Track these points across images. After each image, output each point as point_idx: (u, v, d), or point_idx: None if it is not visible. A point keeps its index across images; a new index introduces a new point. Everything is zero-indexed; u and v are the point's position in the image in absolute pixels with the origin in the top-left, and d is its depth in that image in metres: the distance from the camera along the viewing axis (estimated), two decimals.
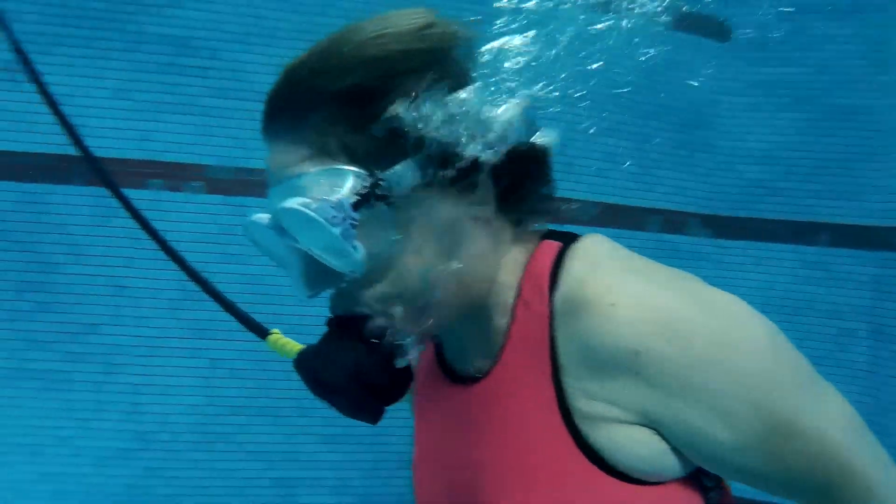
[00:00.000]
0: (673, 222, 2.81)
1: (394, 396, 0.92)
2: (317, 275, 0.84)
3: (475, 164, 0.82)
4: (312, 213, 0.77)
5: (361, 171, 0.79)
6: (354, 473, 2.85)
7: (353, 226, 0.78)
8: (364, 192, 0.78)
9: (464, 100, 0.83)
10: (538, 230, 0.93)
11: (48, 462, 2.76)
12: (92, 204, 2.65)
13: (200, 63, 2.65)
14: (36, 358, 2.71)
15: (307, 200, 0.78)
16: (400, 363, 0.90)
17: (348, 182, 0.78)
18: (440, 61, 0.83)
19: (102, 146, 2.64)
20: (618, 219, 2.79)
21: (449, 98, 0.81)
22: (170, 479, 2.79)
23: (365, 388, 0.88)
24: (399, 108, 0.80)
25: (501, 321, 0.88)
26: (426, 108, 0.80)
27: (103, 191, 2.63)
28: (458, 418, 0.98)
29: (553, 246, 0.88)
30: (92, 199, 2.65)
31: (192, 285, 2.47)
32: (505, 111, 0.87)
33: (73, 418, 2.73)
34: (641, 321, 0.76)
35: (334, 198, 0.78)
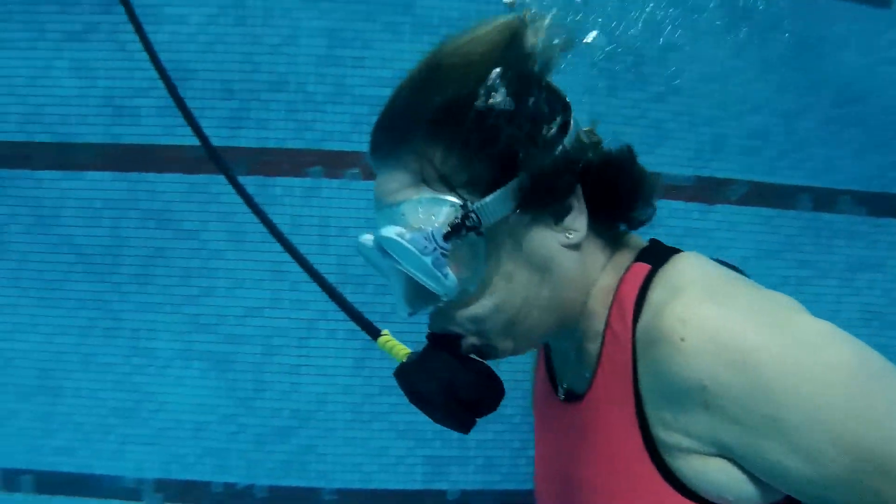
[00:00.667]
0: (824, 200, 2.77)
1: (482, 412, 0.98)
2: (415, 295, 0.89)
3: (568, 188, 0.85)
4: (405, 243, 0.82)
5: (456, 200, 0.82)
6: (502, 453, 2.92)
7: (444, 255, 0.82)
8: (456, 223, 0.82)
9: (555, 119, 0.84)
10: (634, 248, 0.95)
11: (211, 438, 2.92)
12: (252, 193, 2.78)
13: (354, 53, 2.75)
14: (201, 340, 2.86)
15: (401, 230, 0.83)
16: (490, 379, 0.96)
17: (441, 212, 0.82)
18: (530, 72, 0.84)
19: (262, 136, 2.77)
20: (767, 197, 2.78)
21: (540, 116, 0.83)
22: (323, 456, 2.91)
23: (456, 402, 0.94)
24: (492, 124, 0.82)
25: (593, 347, 0.91)
26: (517, 126, 0.82)
27: (263, 180, 2.78)
28: (563, 433, 1.02)
29: (642, 270, 0.89)
30: (253, 189, 2.78)
31: (350, 269, 2.58)
32: (590, 133, 0.91)
33: (234, 397, 2.88)
34: (709, 353, 0.76)
35: (426, 228, 0.82)
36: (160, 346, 2.87)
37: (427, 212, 0.83)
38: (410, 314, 0.93)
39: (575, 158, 0.85)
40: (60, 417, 2.98)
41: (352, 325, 2.86)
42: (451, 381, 0.93)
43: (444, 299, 0.87)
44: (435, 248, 0.82)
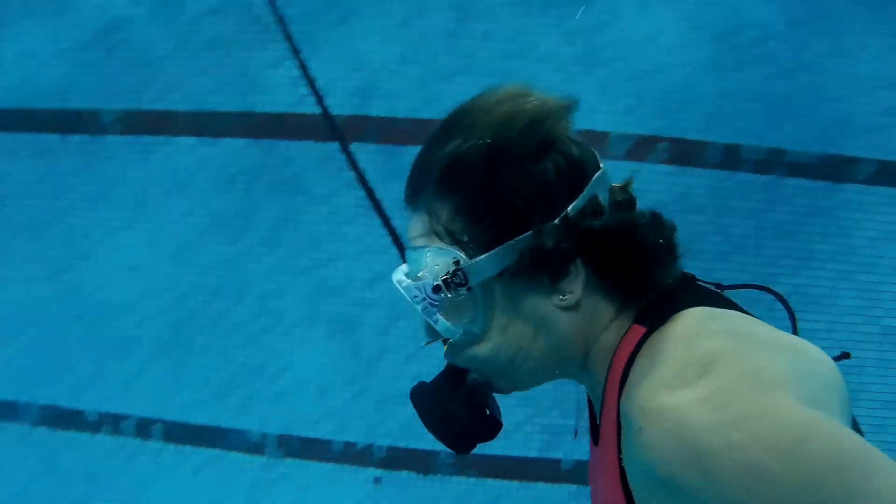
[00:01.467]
0: None
1: (476, 443, 1.05)
2: (426, 328, 0.96)
3: (564, 256, 0.86)
4: (400, 288, 0.91)
5: (457, 254, 0.87)
6: None
7: (434, 304, 0.88)
8: (445, 278, 0.87)
9: (558, 189, 0.86)
10: (637, 305, 0.91)
11: (334, 399, 3.06)
12: (382, 161, 2.90)
13: (483, 27, 2.83)
14: (327, 303, 3.00)
15: (402, 277, 0.92)
16: (484, 418, 1.04)
17: (439, 265, 0.88)
18: (530, 145, 0.86)
19: (392, 107, 2.89)
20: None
21: (538, 187, 0.85)
22: None
23: (453, 433, 1.03)
24: (487, 191, 0.86)
25: (597, 403, 0.95)
26: (513, 195, 0.85)
27: (392, 148, 2.89)
28: (593, 465, 1.06)
29: (637, 335, 0.87)
30: (382, 157, 2.90)
31: None
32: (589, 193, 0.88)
33: (358, 360, 3.01)
34: (665, 449, 0.73)
35: (423, 277, 0.89)
36: (288, 307, 3.02)
37: (431, 261, 0.89)
38: (424, 344, 1.00)
39: (574, 227, 0.86)
40: (192, 372, 3.17)
41: None
42: (448, 414, 1.02)
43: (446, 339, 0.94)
44: (424, 298, 0.89)
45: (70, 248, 3.21)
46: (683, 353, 0.79)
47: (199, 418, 3.19)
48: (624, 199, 0.90)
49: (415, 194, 0.92)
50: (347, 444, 3.05)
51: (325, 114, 2.71)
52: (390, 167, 2.85)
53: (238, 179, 3.00)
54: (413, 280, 0.91)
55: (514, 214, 0.86)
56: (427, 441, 2.92)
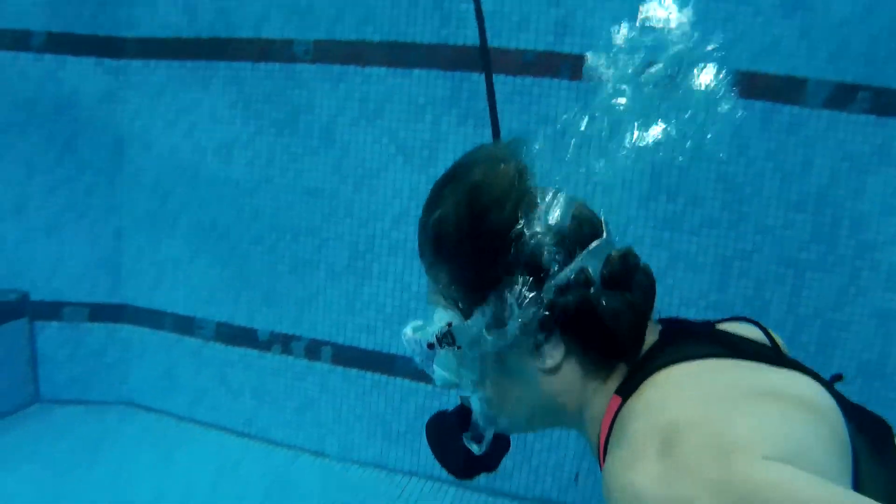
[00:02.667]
0: None
1: (470, 476, 1.17)
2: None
3: (541, 325, 0.91)
4: (405, 342, 1.04)
5: (447, 317, 0.96)
6: None
7: (429, 357, 1.00)
8: (438, 336, 0.97)
9: (535, 265, 0.90)
10: (623, 372, 0.94)
11: None
12: (573, 98, 2.96)
13: None
14: None
15: (408, 331, 1.04)
16: (475, 459, 1.11)
17: (438, 323, 0.98)
18: (505, 225, 0.92)
19: (584, 43, 2.94)
20: None
21: (516, 263, 0.91)
22: None
23: (448, 467, 1.16)
24: (474, 265, 0.93)
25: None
26: (489, 270, 0.92)
27: (588, 86, 2.94)
28: None
29: (616, 403, 0.90)
30: (573, 94, 2.97)
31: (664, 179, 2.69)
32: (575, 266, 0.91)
33: None
34: None
35: (417, 334, 1.02)
36: None
37: (438, 319, 0.98)
38: (439, 385, 1.09)
39: (553, 301, 0.90)
40: (365, 298, 3.31)
41: (662, 233, 3.01)
42: (445, 452, 1.16)
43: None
44: (421, 352, 1.01)
45: (256, 171, 3.39)
46: (644, 427, 0.81)
47: (369, 343, 3.33)
48: (615, 272, 0.93)
49: (421, 256, 1.02)
50: None
51: (482, 39, 2.73)
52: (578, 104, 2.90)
53: (427, 110, 3.11)
54: (415, 334, 1.04)
55: (488, 290, 0.92)
56: None
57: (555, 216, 0.91)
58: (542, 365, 0.95)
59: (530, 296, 0.90)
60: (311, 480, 3.23)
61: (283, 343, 3.46)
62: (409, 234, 3.18)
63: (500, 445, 1.16)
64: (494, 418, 1.05)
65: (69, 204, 3.57)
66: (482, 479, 2.05)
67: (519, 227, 0.91)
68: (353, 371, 3.37)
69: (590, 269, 0.91)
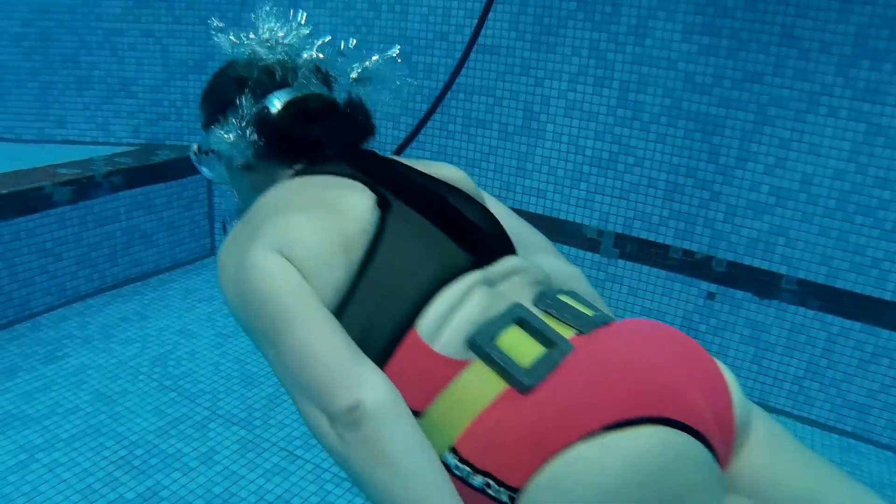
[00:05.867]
0: None
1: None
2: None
3: (242, 138, 1.44)
4: (190, 154, 1.58)
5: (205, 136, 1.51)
6: None
7: (198, 161, 1.55)
8: (199, 146, 1.54)
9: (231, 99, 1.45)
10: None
11: (681, 202, 3.13)
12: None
13: None
14: (688, 100, 3.02)
15: (192, 146, 1.57)
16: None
17: (198, 141, 1.56)
18: (230, 76, 1.50)
19: None
20: None
21: (226, 96, 1.47)
22: (794, 242, 2.98)
23: None
24: (207, 102, 1.54)
25: None
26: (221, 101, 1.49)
27: None
28: None
29: None
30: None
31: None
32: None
33: (716, 164, 3.03)
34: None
35: (192, 146, 1.56)
36: (647, 100, 3.08)
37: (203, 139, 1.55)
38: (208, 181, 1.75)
39: (249, 124, 1.43)
40: (537, 160, 3.38)
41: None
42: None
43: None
44: (195, 158, 1.56)
45: (430, 28, 3.48)
46: (250, 211, 1.34)
47: (537, 207, 3.41)
48: (287, 109, 1.44)
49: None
50: (686, 252, 3.13)
51: None
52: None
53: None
54: (192, 146, 1.57)
55: (222, 114, 1.47)
56: (772, 261, 2.91)
57: (257, 74, 1.46)
58: (245, 164, 1.46)
59: (236, 120, 1.43)
60: None
61: None
62: (587, 94, 3.18)
63: None
64: (240, 202, 1.55)
65: None
66: None
67: (239, 80, 1.45)
68: None
69: (273, 104, 1.42)
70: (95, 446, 2.55)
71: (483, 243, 1.28)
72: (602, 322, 1.20)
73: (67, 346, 3.18)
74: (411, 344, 1.12)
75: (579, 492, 0.97)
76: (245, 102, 1.42)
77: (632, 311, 3.28)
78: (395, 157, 1.47)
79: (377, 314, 1.14)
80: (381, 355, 1.12)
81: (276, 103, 1.42)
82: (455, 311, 1.14)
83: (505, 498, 1.03)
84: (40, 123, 4.01)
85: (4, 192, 3.20)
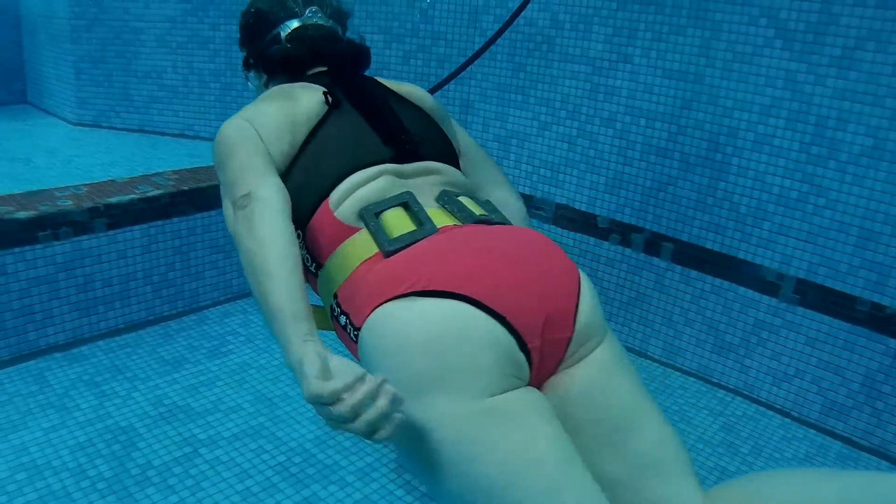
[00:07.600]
0: None
1: None
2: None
3: (258, 61, 1.96)
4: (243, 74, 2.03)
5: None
6: None
7: (246, 77, 2.03)
8: (243, 66, 2.00)
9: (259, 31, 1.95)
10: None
11: (875, 248, 2.94)
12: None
13: None
14: None
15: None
16: None
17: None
18: (255, 12, 1.96)
19: None
20: None
21: (251, 28, 1.98)
22: None
23: None
24: (243, 35, 2.02)
25: None
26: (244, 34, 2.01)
27: None
28: None
29: None
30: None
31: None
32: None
33: None
34: None
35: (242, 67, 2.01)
36: (847, 138, 2.91)
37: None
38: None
39: (263, 47, 1.94)
40: (719, 194, 3.26)
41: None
42: None
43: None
44: (244, 75, 2.02)
45: (614, 49, 3.46)
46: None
47: (714, 244, 3.31)
48: (292, 35, 1.89)
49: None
50: (875, 306, 2.93)
51: None
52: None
53: None
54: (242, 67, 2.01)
55: (249, 42, 1.99)
56: None
57: (275, 7, 1.93)
58: (266, 80, 1.95)
59: (255, 46, 1.94)
60: None
61: (622, 233, 3.57)
62: (779, 128, 3.06)
63: None
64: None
65: None
66: None
67: (259, 12, 1.93)
68: (693, 272, 3.39)
69: (283, 31, 1.89)
70: (255, 448, 2.65)
71: (408, 144, 1.64)
72: (485, 221, 1.50)
73: (231, 342, 3.34)
74: (323, 209, 1.51)
75: (383, 335, 1.27)
76: (262, 30, 1.91)
77: (807, 363, 3.10)
78: (376, 78, 1.83)
79: (306, 182, 1.54)
80: (307, 213, 1.53)
81: (285, 30, 1.88)
82: (357, 189, 1.51)
83: (353, 335, 1.38)
84: (220, 122, 4.26)
85: (185, 188, 3.42)
